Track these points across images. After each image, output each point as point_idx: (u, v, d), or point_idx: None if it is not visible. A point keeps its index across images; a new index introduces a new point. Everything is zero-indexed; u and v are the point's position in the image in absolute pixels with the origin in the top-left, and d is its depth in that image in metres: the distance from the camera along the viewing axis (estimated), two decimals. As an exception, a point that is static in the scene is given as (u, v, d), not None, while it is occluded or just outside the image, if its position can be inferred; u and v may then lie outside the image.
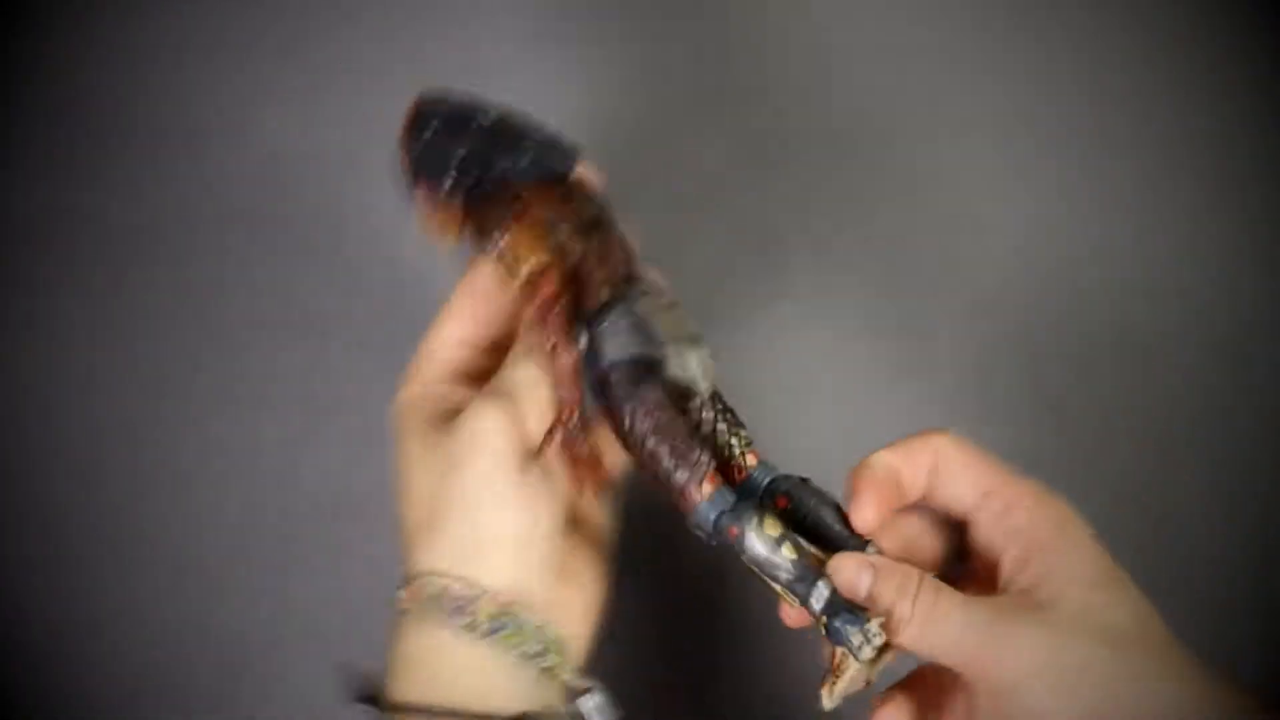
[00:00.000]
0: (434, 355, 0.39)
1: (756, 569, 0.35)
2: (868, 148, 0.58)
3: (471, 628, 0.33)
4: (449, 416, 0.36)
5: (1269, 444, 0.53)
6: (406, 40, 0.60)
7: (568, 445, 0.36)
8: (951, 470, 0.35)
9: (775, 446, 0.39)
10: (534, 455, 0.36)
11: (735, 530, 0.34)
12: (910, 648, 0.33)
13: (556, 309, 0.36)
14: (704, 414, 0.37)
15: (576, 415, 0.36)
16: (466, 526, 0.34)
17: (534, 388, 0.36)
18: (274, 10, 0.60)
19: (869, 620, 0.33)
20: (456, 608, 0.34)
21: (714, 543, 0.35)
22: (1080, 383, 0.54)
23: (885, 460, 0.35)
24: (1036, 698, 0.31)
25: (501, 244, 0.36)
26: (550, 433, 0.36)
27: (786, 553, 0.34)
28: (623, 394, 0.35)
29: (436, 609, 0.34)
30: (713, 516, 0.35)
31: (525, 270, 0.36)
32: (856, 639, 0.33)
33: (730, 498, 0.35)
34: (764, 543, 0.34)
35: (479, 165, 0.36)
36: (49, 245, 0.56)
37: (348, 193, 0.57)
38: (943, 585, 0.33)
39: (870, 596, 0.33)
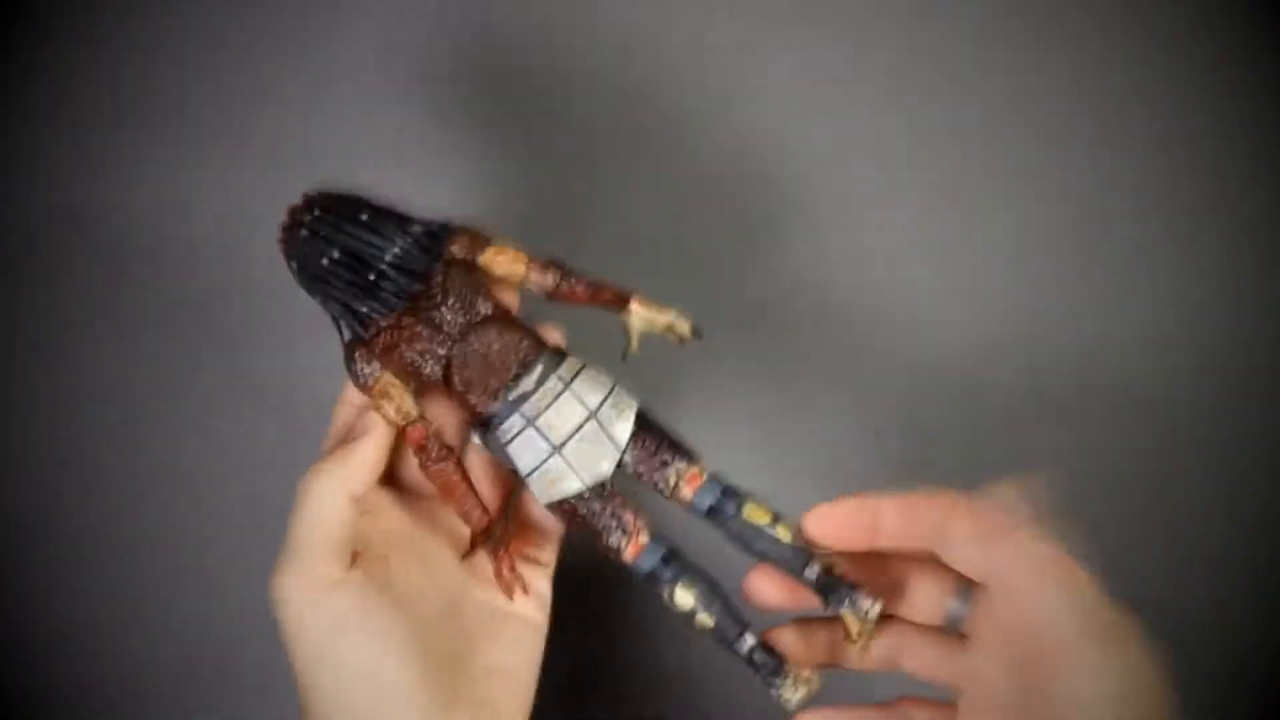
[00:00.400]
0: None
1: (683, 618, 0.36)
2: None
3: None
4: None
5: (1269, 444, 0.53)
6: (402, 39, 0.60)
7: (492, 555, 0.37)
8: (955, 539, 0.34)
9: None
10: (342, 590, 0.35)
11: (661, 592, 0.36)
12: None
13: (435, 447, 0.37)
14: (637, 466, 0.37)
15: (494, 531, 0.37)
16: (334, 704, 0.34)
17: (311, 538, 0.35)
18: (276, 7, 0.60)
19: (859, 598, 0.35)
20: None
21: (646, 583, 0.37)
22: (1080, 384, 0.54)
23: (871, 499, 0.35)
24: None
25: (371, 384, 0.37)
26: (472, 548, 0.37)
27: (702, 619, 0.36)
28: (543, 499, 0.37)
29: None
30: (644, 570, 0.36)
31: (395, 418, 0.37)
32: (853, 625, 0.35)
33: (658, 554, 0.36)
34: (682, 609, 0.36)
35: (350, 268, 0.37)
36: (49, 245, 0.56)
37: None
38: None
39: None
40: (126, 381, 0.54)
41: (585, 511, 0.36)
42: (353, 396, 0.38)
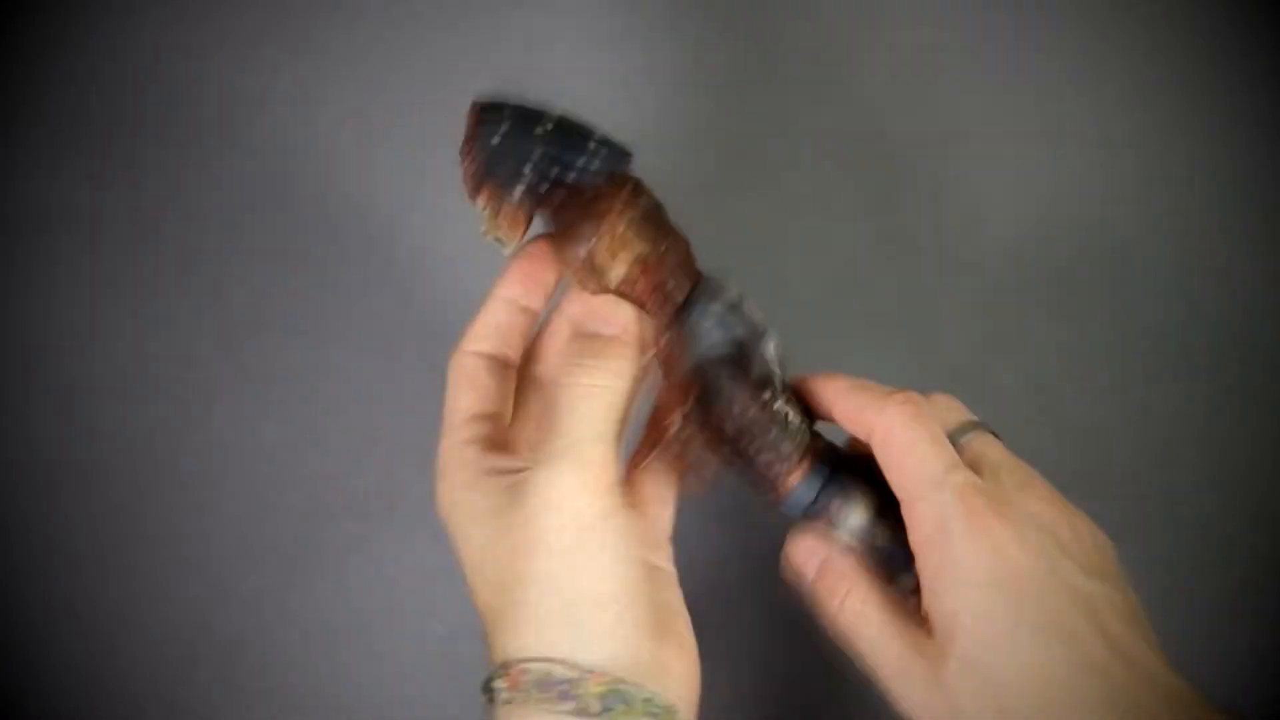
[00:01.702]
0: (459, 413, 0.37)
1: (854, 540, 0.36)
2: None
3: (581, 711, 0.31)
4: (499, 487, 0.34)
5: (1269, 444, 0.53)
6: (403, 41, 0.60)
7: (676, 447, 0.36)
8: (888, 458, 0.35)
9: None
10: (613, 508, 0.34)
11: (838, 503, 0.36)
12: (837, 636, 0.35)
13: (660, 301, 0.36)
14: (777, 404, 0.36)
15: (682, 416, 0.36)
16: (556, 600, 0.32)
17: (595, 443, 0.34)
18: (276, 9, 0.59)
19: None
20: (562, 692, 0.31)
21: (804, 517, 0.37)
22: (1079, 381, 0.54)
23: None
24: None
25: (590, 245, 0.35)
26: (651, 440, 0.36)
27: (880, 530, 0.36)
28: (720, 388, 0.36)
29: (541, 695, 0.31)
30: (812, 495, 0.36)
31: (620, 269, 0.36)
32: None
33: (820, 478, 0.36)
34: (862, 516, 0.36)
35: (551, 167, 0.36)
36: (49, 245, 0.56)
37: (348, 193, 0.57)
38: (869, 598, 0.35)
39: (813, 584, 0.36)
40: (126, 381, 0.54)
41: (750, 417, 0.36)
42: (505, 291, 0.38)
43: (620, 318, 0.36)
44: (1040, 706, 0.30)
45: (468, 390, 0.37)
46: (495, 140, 0.36)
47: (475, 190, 0.36)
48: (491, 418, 0.37)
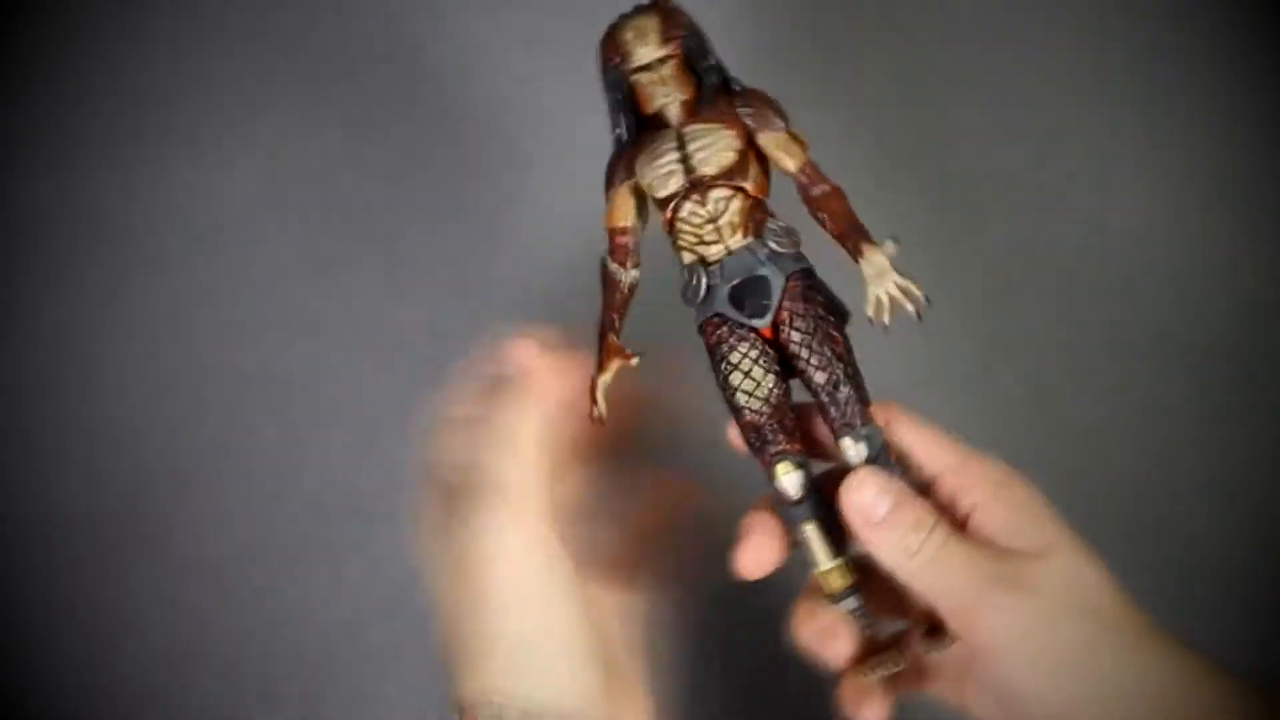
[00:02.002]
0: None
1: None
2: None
3: None
4: (455, 534, 0.35)
5: (1269, 444, 0.53)
6: (403, 40, 0.60)
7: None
8: (908, 441, 0.36)
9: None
10: (548, 558, 0.34)
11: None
12: (908, 581, 0.33)
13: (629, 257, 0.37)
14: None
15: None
16: (506, 645, 0.33)
17: (520, 490, 0.34)
18: (275, 10, 0.60)
19: None
20: None
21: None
22: (1079, 382, 0.54)
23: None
24: (1016, 667, 0.31)
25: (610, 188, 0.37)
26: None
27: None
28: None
29: None
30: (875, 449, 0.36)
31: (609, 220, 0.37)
32: None
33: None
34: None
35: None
36: (49, 245, 0.56)
37: (347, 193, 0.57)
38: (952, 532, 0.33)
39: (885, 522, 0.33)
40: (126, 381, 0.54)
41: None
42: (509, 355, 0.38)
43: (517, 356, 0.36)
44: (1137, 625, 0.32)
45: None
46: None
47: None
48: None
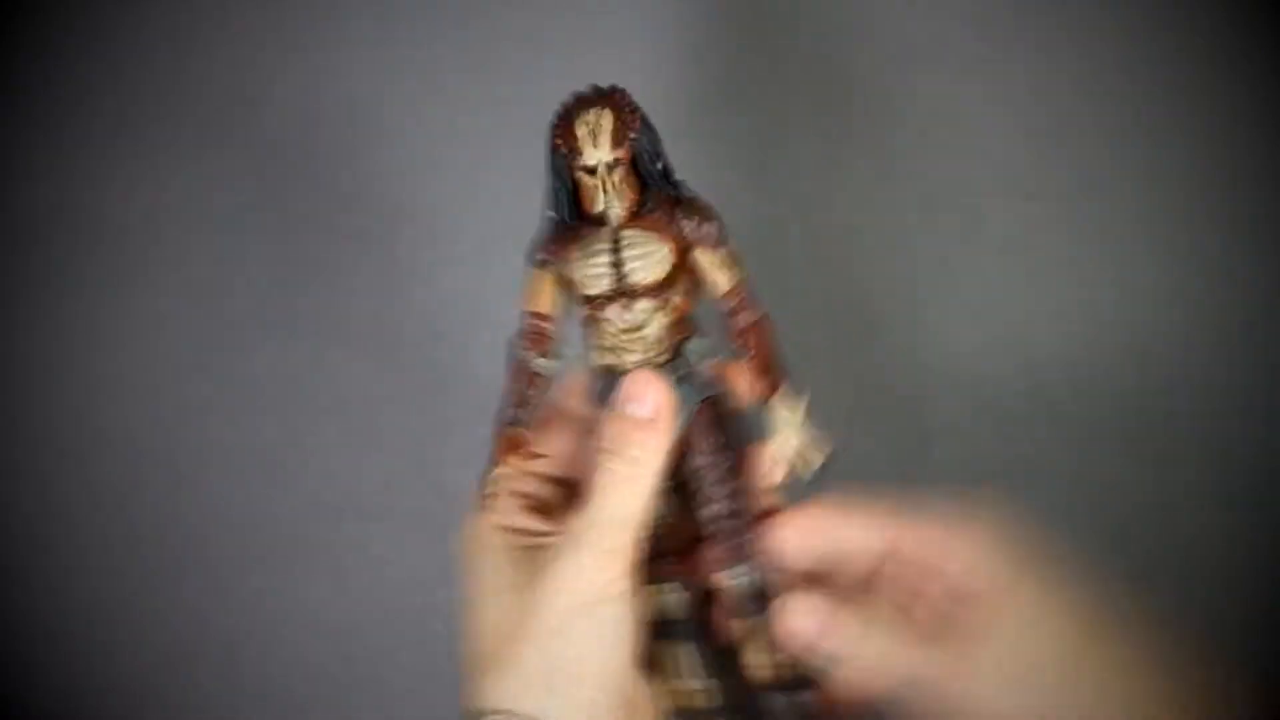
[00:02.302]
0: (507, 484, 0.37)
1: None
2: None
3: None
4: (528, 551, 0.36)
5: (1269, 444, 0.53)
6: (403, 40, 0.60)
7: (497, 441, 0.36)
8: (842, 533, 0.36)
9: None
10: (616, 594, 0.35)
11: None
12: (864, 687, 0.35)
13: (530, 342, 0.37)
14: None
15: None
16: (542, 665, 0.34)
17: (620, 530, 0.35)
18: (275, 10, 0.60)
19: None
20: None
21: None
22: (1077, 385, 0.54)
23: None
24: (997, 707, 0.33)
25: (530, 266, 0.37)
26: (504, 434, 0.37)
27: None
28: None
29: None
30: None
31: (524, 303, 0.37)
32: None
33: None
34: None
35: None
36: (49, 245, 0.56)
37: (348, 193, 0.57)
38: (890, 623, 0.35)
39: (826, 637, 0.35)
40: (126, 381, 0.54)
41: None
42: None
43: (653, 399, 0.36)
44: (1075, 681, 0.33)
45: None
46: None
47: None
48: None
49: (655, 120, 0.36)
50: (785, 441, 0.36)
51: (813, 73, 0.58)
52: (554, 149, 0.35)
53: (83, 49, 0.59)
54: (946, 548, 0.35)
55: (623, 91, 0.35)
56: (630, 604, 0.35)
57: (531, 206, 0.54)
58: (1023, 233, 0.57)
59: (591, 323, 0.36)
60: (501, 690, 0.34)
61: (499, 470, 0.36)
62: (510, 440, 0.36)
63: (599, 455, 0.35)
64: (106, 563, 0.52)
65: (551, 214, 0.36)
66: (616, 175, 0.35)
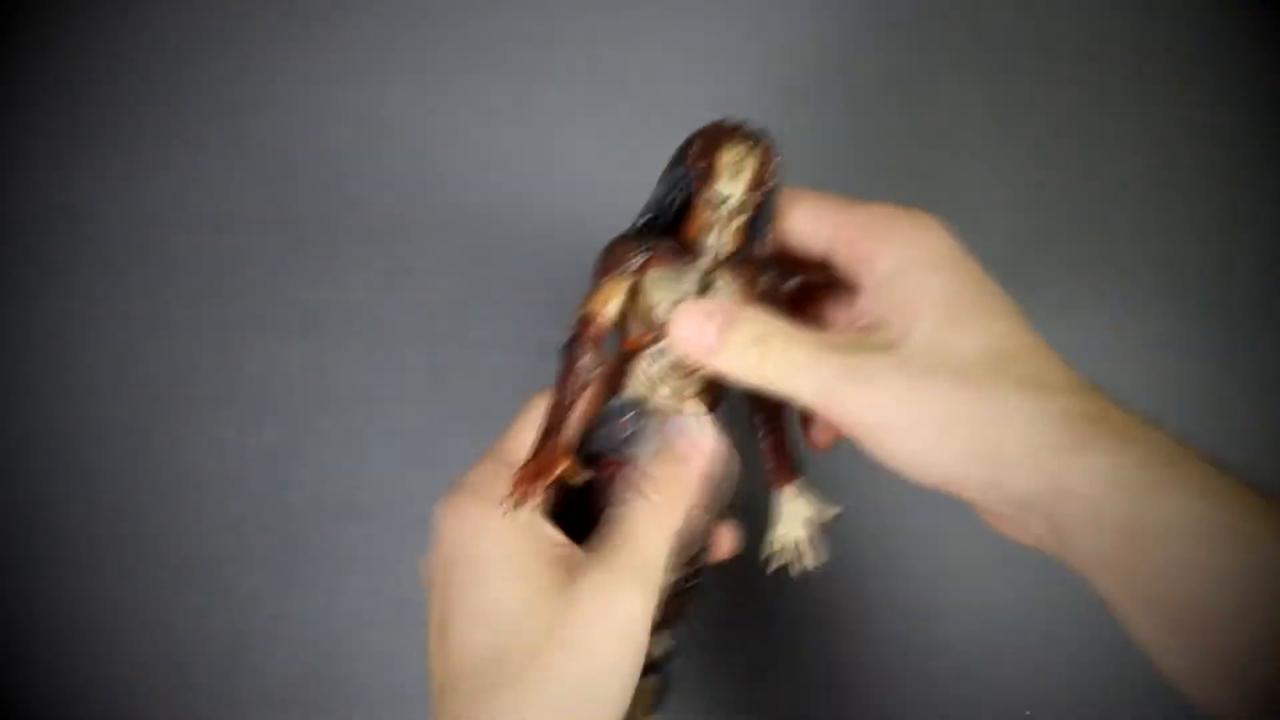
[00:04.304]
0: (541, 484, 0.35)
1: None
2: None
3: None
4: (549, 561, 0.33)
5: (1269, 444, 0.53)
6: (405, 40, 0.60)
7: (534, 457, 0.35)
8: (794, 216, 0.34)
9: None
10: (648, 629, 0.33)
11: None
12: (767, 390, 0.33)
13: (592, 351, 0.35)
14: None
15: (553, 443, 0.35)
16: (566, 685, 0.31)
17: (657, 567, 0.33)
18: (276, 9, 0.59)
19: None
20: None
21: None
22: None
23: None
24: (895, 441, 0.31)
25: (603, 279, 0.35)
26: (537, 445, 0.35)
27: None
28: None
29: None
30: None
31: (591, 305, 0.35)
32: None
33: None
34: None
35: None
36: (49, 245, 0.56)
37: (348, 193, 0.57)
38: (792, 332, 0.32)
39: (721, 347, 0.33)
40: (126, 382, 0.54)
41: None
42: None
43: (704, 442, 0.35)
44: (1008, 367, 0.30)
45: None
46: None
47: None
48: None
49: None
50: (788, 532, 0.36)
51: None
52: (684, 161, 0.34)
53: (83, 49, 0.59)
54: (884, 237, 0.33)
55: (773, 140, 0.34)
56: (647, 639, 0.33)
57: (532, 206, 0.54)
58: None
59: (640, 355, 0.35)
60: (519, 708, 0.31)
61: (535, 468, 0.34)
62: (560, 449, 0.34)
63: (643, 486, 0.34)
64: (106, 562, 0.52)
65: (646, 220, 0.35)
66: (738, 219, 0.34)
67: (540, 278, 0.55)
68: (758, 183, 0.33)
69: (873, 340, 0.32)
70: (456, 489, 0.35)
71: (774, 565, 0.36)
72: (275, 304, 0.55)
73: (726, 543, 0.38)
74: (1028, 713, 0.52)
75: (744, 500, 0.37)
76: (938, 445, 0.30)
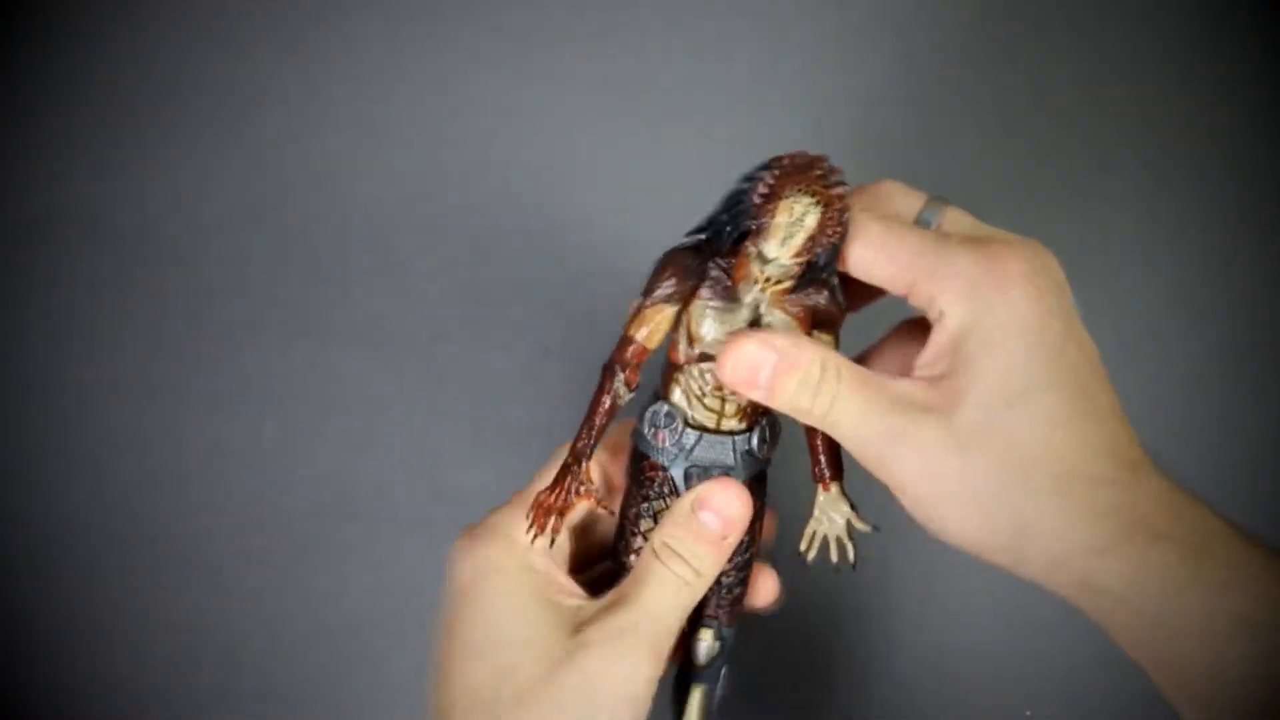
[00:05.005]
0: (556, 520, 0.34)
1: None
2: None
3: None
4: (559, 608, 0.33)
5: (1269, 444, 0.53)
6: (405, 40, 0.60)
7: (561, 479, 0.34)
8: (862, 249, 0.32)
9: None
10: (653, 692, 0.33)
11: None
12: (817, 427, 0.33)
13: (631, 373, 0.34)
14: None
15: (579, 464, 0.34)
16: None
17: (670, 636, 0.33)
18: (275, 10, 0.59)
19: None
20: None
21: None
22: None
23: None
24: (930, 507, 0.31)
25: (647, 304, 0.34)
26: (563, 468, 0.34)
27: None
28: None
29: None
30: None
31: (633, 331, 0.34)
32: None
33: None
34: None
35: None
36: (49, 245, 0.56)
37: (348, 192, 0.57)
38: (846, 376, 0.32)
39: (772, 386, 0.32)
40: (127, 381, 0.54)
41: None
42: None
43: (732, 512, 0.34)
44: (1051, 455, 0.30)
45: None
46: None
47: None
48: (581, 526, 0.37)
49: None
50: (830, 527, 0.36)
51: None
52: (751, 194, 0.31)
53: (83, 49, 0.58)
54: (961, 292, 0.31)
55: (843, 195, 0.31)
56: (650, 702, 0.33)
57: (532, 206, 0.54)
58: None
59: (685, 369, 0.34)
60: None
61: (554, 498, 0.33)
62: (584, 479, 0.34)
63: (658, 548, 0.34)
64: (106, 562, 0.52)
65: (702, 235, 0.33)
66: (779, 286, 0.32)
67: (540, 278, 0.55)
68: (810, 245, 0.31)
69: (925, 399, 0.31)
70: (477, 528, 0.35)
71: (811, 556, 0.36)
72: (275, 304, 0.55)
73: (766, 590, 0.38)
74: (1028, 713, 0.52)
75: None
76: (970, 520, 0.31)
